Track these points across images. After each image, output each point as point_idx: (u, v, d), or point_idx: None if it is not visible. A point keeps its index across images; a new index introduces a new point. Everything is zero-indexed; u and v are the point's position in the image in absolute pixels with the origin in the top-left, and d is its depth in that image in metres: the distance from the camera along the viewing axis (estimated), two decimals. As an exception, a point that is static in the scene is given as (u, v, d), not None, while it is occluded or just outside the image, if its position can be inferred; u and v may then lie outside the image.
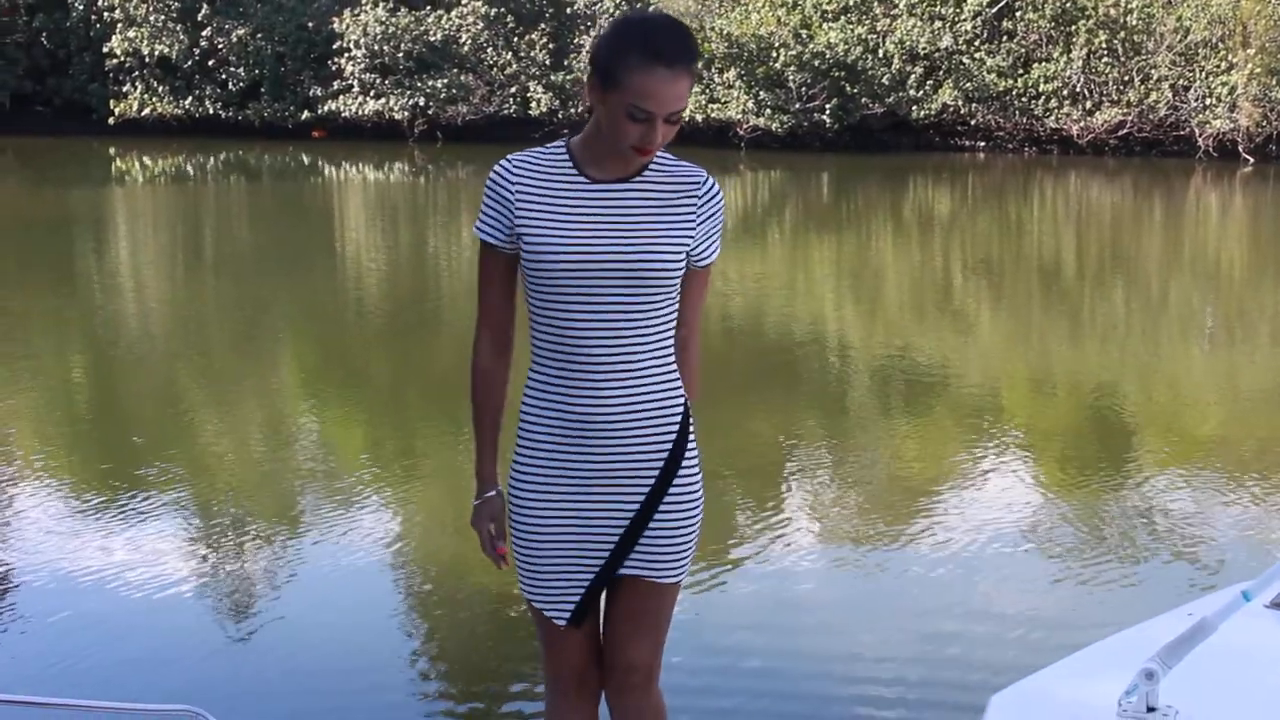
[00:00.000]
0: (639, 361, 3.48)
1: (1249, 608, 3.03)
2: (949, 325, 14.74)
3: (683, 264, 3.48)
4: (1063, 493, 8.64)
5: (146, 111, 40.43)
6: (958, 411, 10.81)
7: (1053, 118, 35.76)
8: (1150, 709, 2.95)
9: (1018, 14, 36.08)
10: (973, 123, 36.58)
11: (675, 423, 3.54)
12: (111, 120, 40.26)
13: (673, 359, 3.55)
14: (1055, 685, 3.31)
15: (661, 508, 3.56)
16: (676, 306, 3.53)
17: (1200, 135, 34.26)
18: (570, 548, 3.56)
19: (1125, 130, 35.10)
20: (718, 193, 3.56)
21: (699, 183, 3.52)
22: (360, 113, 39.10)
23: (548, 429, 3.51)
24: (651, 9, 38.04)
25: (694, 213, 3.50)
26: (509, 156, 3.49)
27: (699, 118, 36.66)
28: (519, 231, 3.43)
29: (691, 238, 3.49)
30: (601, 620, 3.70)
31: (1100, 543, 7.64)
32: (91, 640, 6.23)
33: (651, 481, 3.54)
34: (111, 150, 37.36)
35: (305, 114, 39.77)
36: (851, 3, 36.85)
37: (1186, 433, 10.27)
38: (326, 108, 39.42)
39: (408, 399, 11.52)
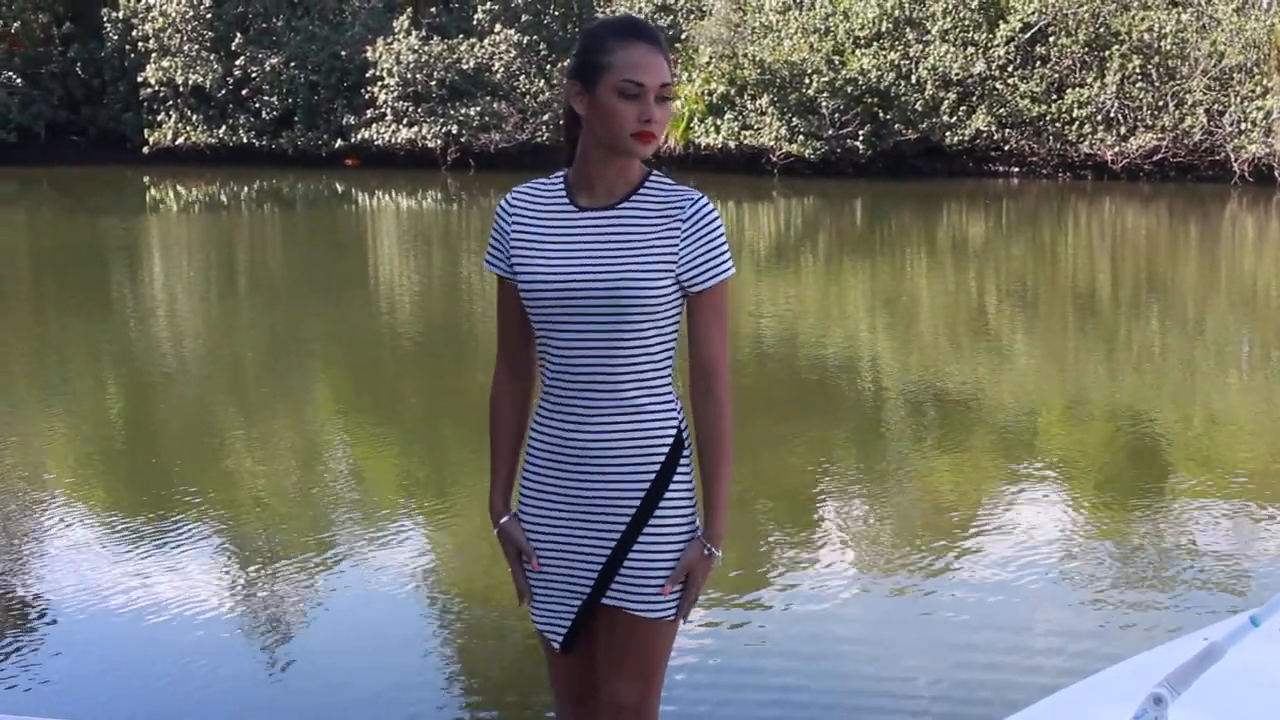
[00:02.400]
0: (624, 389, 3.47)
1: (1258, 633, 2.99)
2: (984, 351, 14.66)
3: (666, 290, 3.44)
4: (1097, 520, 8.55)
5: (181, 140, 40.62)
6: (992, 438, 10.73)
7: (1087, 143, 35.61)
8: None
9: (1051, 39, 35.99)
10: (1006, 148, 36.47)
11: (662, 454, 3.50)
12: (146, 149, 40.46)
13: (668, 391, 3.53)
14: (1065, 710, 3.29)
15: (641, 539, 3.52)
16: (671, 336, 3.51)
17: (1235, 160, 34.07)
18: (562, 571, 3.59)
19: (1160, 155, 34.93)
20: (706, 213, 3.47)
21: (684, 205, 3.47)
22: (393, 141, 39.22)
23: (546, 452, 3.57)
24: (684, 35, 38.16)
25: (677, 235, 3.45)
26: (515, 188, 3.61)
27: (732, 144, 36.66)
28: (512, 261, 3.54)
29: (674, 261, 3.44)
30: None
31: (1135, 570, 7.56)
32: (121, 666, 6.20)
33: (633, 511, 3.51)
34: (146, 179, 37.56)
35: (339, 142, 39.90)
36: (884, 29, 36.80)
37: (1222, 460, 10.17)
38: (360, 136, 39.54)
39: (440, 426, 11.50)
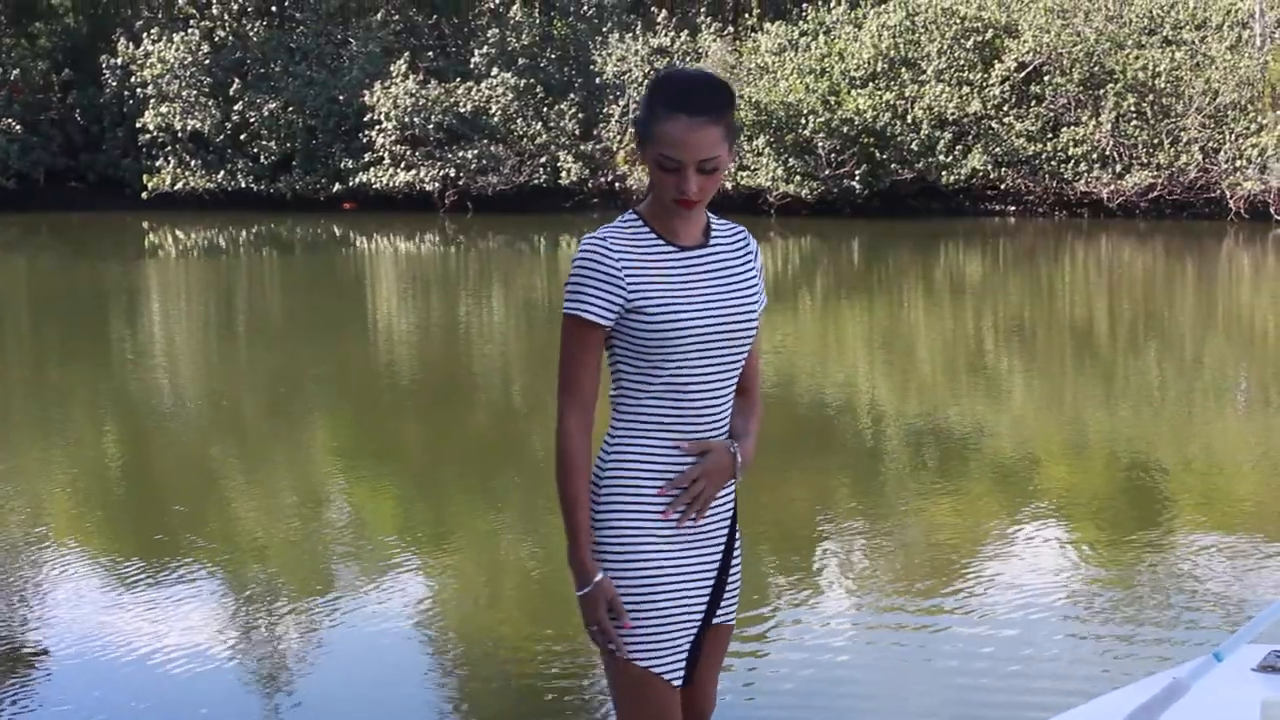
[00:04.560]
0: (728, 412, 3.68)
1: (1220, 668, 3.04)
2: (982, 390, 14.69)
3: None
4: (1095, 558, 8.56)
5: (179, 186, 40.70)
6: (990, 476, 10.75)
7: (1082, 181, 35.69)
8: None
9: (1046, 78, 36.11)
10: (1003, 187, 36.54)
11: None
12: (145, 195, 40.55)
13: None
14: None
15: (736, 549, 3.76)
16: None
17: (1231, 197, 34.13)
18: (680, 606, 3.62)
19: (1155, 193, 35.00)
20: (756, 245, 3.80)
21: (747, 239, 3.78)
22: (391, 184, 39.31)
23: (658, 495, 3.57)
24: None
25: (754, 266, 3.73)
26: (594, 236, 3.55)
27: (729, 185, 36.73)
28: (636, 305, 3.50)
29: (760, 289, 3.73)
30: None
31: (1134, 608, 7.57)
32: (120, 711, 6.21)
33: (726, 525, 3.71)
34: (145, 224, 37.64)
35: (336, 186, 39.99)
36: (879, 69, 36.94)
37: (1219, 499, 10.18)
38: (357, 180, 39.63)
39: (441, 470, 11.51)
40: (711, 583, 3.66)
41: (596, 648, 3.65)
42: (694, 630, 3.64)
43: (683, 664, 3.63)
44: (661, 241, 3.57)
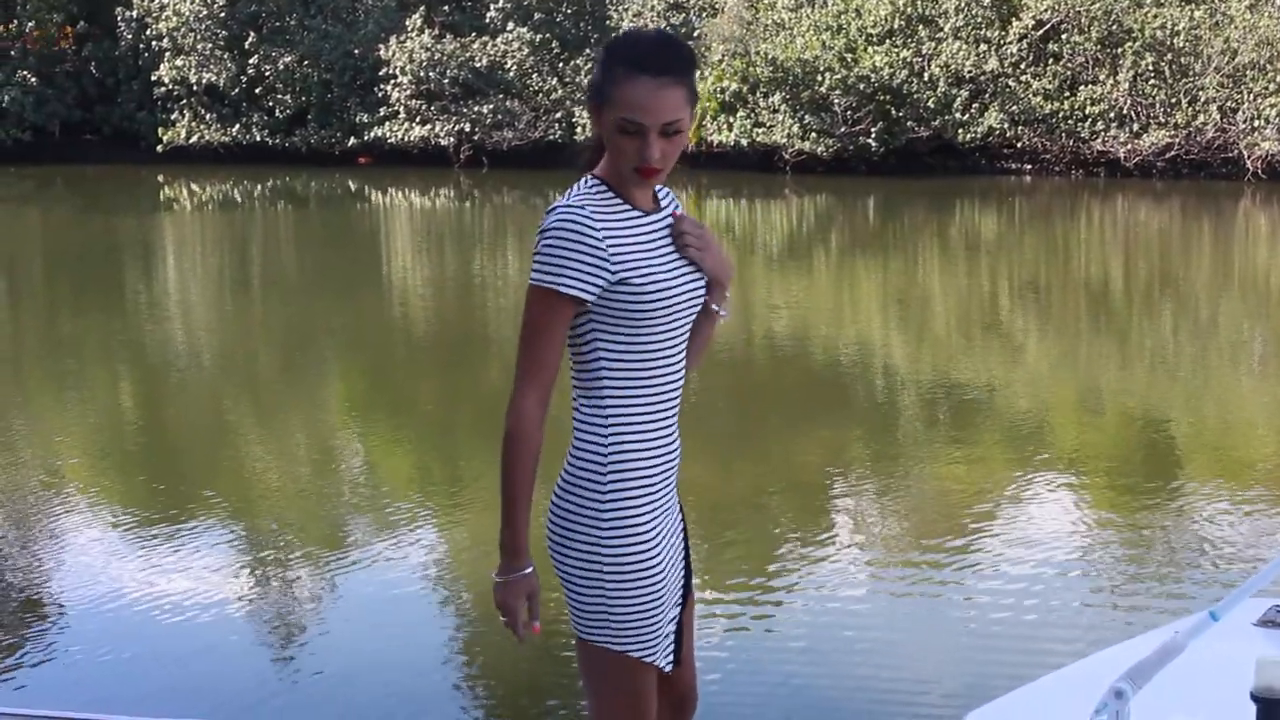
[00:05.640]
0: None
1: (1217, 627, 3.05)
2: (997, 349, 14.68)
3: None
4: (1109, 515, 8.57)
5: (194, 139, 40.72)
6: (1004, 433, 10.75)
7: (1099, 140, 35.57)
8: None
9: (1063, 36, 35.94)
10: (1019, 145, 36.42)
11: None
12: (160, 148, 40.57)
13: None
14: (1029, 703, 3.34)
15: (683, 522, 3.60)
16: None
17: (1248, 157, 34.02)
18: (670, 590, 3.46)
19: (1173, 152, 34.88)
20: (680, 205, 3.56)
21: (674, 199, 3.54)
22: (406, 139, 39.27)
23: (648, 476, 3.37)
24: (697, 33, 38.14)
25: None
26: (571, 206, 3.27)
27: (744, 142, 36.65)
28: (622, 277, 3.25)
29: None
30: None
31: (1147, 564, 7.58)
32: (134, 660, 6.25)
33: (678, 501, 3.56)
34: (160, 178, 37.65)
35: (351, 140, 39.97)
36: (896, 26, 36.77)
37: (1234, 456, 10.18)
38: (372, 134, 39.60)
39: (454, 424, 11.54)
40: (682, 560, 3.54)
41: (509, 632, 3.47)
42: (677, 613, 3.50)
43: (673, 648, 3.50)
44: (629, 207, 3.34)
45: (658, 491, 3.39)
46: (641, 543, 3.35)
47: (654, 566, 3.37)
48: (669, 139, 3.28)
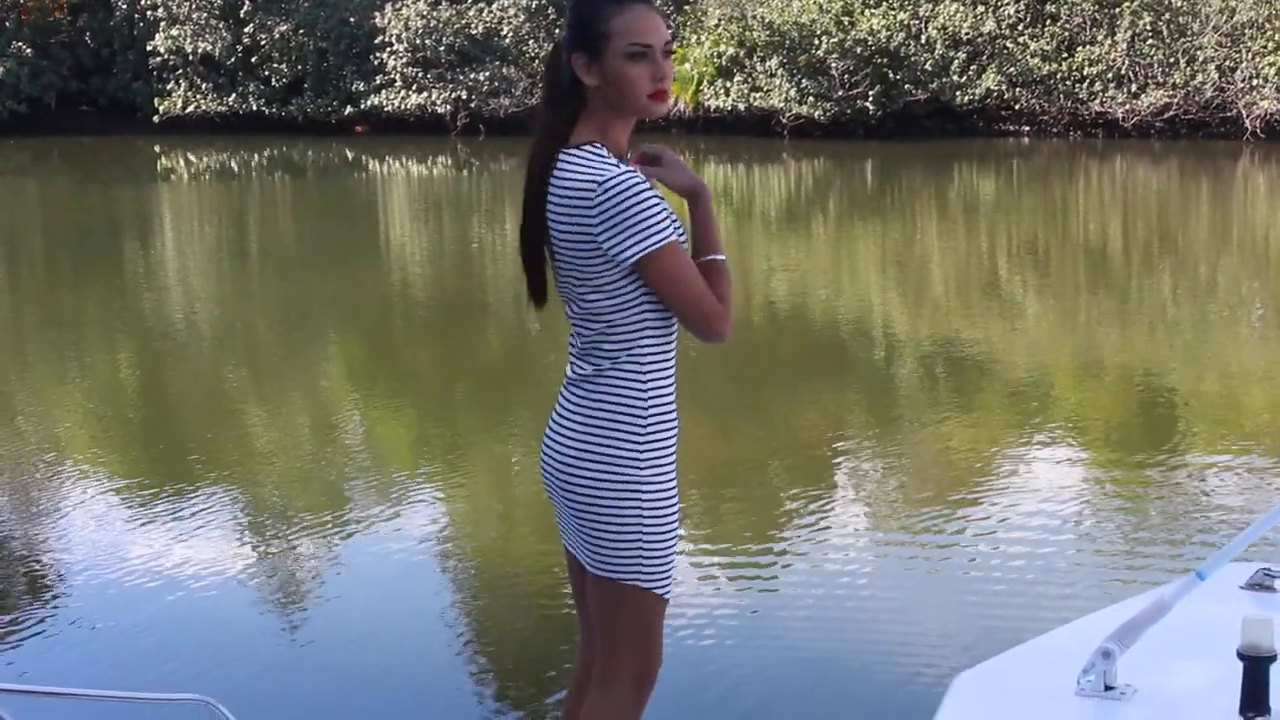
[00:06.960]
0: None
1: (1202, 587, 3.08)
2: (995, 311, 14.67)
3: None
4: (1110, 476, 8.58)
5: (190, 109, 40.66)
6: (1004, 396, 10.76)
7: (1097, 101, 35.51)
8: (1108, 687, 3.02)
9: (1061, -4, 35.89)
10: (1017, 107, 36.37)
11: None
12: (156, 118, 40.51)
13: None
14: (1018, 665, 3.37)
15: None
16: None
17: (1247, 116, 33.97)
18: None
19: (1171, 113, 34.83)
20: None
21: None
22: (403, 107, 39.21)
23: (674, 423, 3.54)
24: (692, -2, 38.03)
25: None
26: (621, 170, 3.33)
27: (742, 107, 36.59)
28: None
29: None
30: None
31: (1147, 526, 7.59)
32: (143, 632, 6.26)
33: None
34: (156, 148, 37.60)
35: (348, 109, 39.91)
36: (893, -12, 36.72)
37: (1233, 418, 10.18)
38: (369, 102, 39.54)
39: (453, 392, 11.54)
40: None
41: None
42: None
43: None
44: (626, 166, 3.41)
45: (674, 437, 3.54)
46: (672, 484, 3.52)
47: (677, 507, 3.54)
48: (668, 61, 3.43)
